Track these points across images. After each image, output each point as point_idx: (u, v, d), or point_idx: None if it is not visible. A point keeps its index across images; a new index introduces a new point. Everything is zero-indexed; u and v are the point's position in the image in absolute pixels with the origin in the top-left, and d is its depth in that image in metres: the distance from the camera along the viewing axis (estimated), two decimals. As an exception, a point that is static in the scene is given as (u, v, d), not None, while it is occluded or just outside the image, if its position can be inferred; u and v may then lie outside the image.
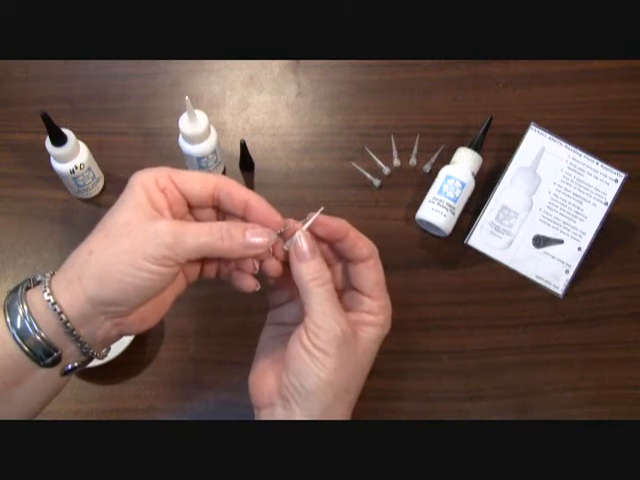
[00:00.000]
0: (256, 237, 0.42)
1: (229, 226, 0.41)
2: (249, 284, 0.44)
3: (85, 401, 0.59)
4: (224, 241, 0.41)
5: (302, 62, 0.74)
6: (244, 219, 0.43)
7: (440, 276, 0.65)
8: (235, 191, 0.43)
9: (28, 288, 0.41)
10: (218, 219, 0.45)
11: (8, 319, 0.39)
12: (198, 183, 0.42)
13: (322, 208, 0.45)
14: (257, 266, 0.44)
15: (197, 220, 0.44)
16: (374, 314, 0.45)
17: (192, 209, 0.44)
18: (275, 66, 0.74)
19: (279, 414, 0.44)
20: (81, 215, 0.66)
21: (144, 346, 0.61)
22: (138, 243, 0.39)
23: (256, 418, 0.47)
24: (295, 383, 0.43)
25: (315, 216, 0.45)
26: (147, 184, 0.41)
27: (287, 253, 0.45)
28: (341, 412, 0.44)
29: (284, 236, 0.45)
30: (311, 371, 0.42)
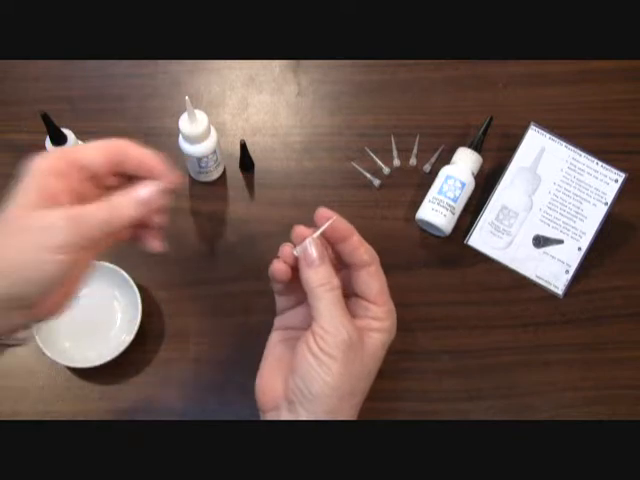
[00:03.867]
0: (143, 193, 0.41)
1: (115, 197, 0.41)
2: (155, 245, 0.45)
3: (85, 401, 0.59)
4: (116, 211, 0.40)
5: (302, 62, 0.74)
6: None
7: (440, 276, 0.65)
8: (131, 152, 0.42)
9: None
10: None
11: None
12: (93, 151, 0.41)
13: (335, 217, 0.46)
14: (162, 222, 0.44)
15: (108, 189, 0.43)
16: (380, 320, 0.46)
17: (101, 180, 0.43)
18: (275, 66, 0.74)
19: (284, 417, 0.44)
20: (81, 215, 0.66)
21: (144, 346, 0.61)
22: (36, 236, 0.38)
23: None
24: (301, 387, 0.43)
25: (326, 225, 0.46)
26: (40, 171, 0.40)
27: (296, 259, 0.46)
28: (346, 415, 0.45)
29: (294, 242, 0.47)
30: (317, 375, 0.43)
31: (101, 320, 0.61)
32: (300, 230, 0.46)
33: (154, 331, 0.62)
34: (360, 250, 0.46)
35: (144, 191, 0.41)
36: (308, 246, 0.45)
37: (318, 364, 0.43)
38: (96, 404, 0.59)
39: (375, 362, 0.46)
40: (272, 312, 0.53)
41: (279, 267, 0.46)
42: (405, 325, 0.63)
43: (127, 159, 0.42)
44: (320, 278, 0.44)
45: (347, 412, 0.45)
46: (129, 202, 0.41)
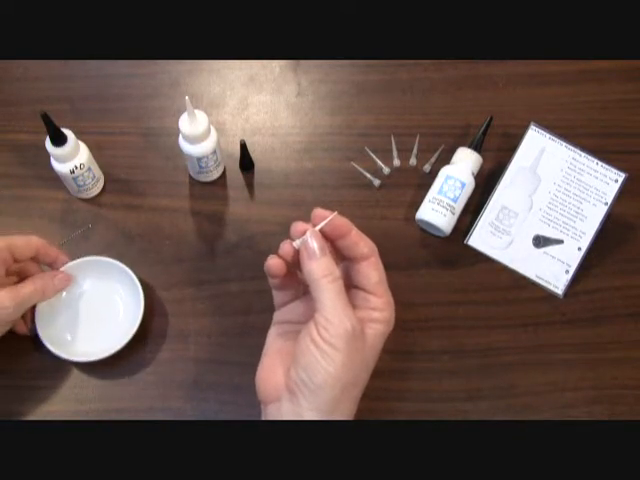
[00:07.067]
0: (60, 282, 0.58)
1: (43, 278, 0.56)
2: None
3: (85, 401, 0.59)
4: (47, 291, 0.56)
5: (302, 62, 0.74)
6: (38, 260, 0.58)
7: (440, 276, 0.65)
8: (50, 251, 0.58)
9: None
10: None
11: None
12: (26, 250, 0.55)
13: (336, 212, 0.46)
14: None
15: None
16: (379, 310, 0.46)
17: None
18: (275, 66, 0.74)
19: (286, 408, 0.45)
20: (81, 215, 0.66)
21: (144, 346, 0.61)
22: None
23: (262, 413, 0.48)
24: (304, 377, 0.43)
25: (326, 221, 0.46)
26: None
27: (295, 252, 0.46)
28: (347, 406, 0.45)
29: (292, 238, 0.47)
30: (320, 366, 0.43)
31: (103, 314, 0.61)
32: (300, 225, 0.47)
33: (155, 330, 0.62)
34: (360, 244, 0.47)
35: (62, 274, 0.58)
36: (309, 238, 0.45)
37: (321, 354, 0.43)
38: (96, 404, 0.59)
39: (374, 353, 0.46)
40: (272, 311, 0.53)
41: (273, 262, 0.47)
42: (405, 325, 0.63)
43: (46, 255, 0.57)
44: (323, 269, 0.44)
45: (348, 403, 0.45)
46: (53, 281, 0.57)
